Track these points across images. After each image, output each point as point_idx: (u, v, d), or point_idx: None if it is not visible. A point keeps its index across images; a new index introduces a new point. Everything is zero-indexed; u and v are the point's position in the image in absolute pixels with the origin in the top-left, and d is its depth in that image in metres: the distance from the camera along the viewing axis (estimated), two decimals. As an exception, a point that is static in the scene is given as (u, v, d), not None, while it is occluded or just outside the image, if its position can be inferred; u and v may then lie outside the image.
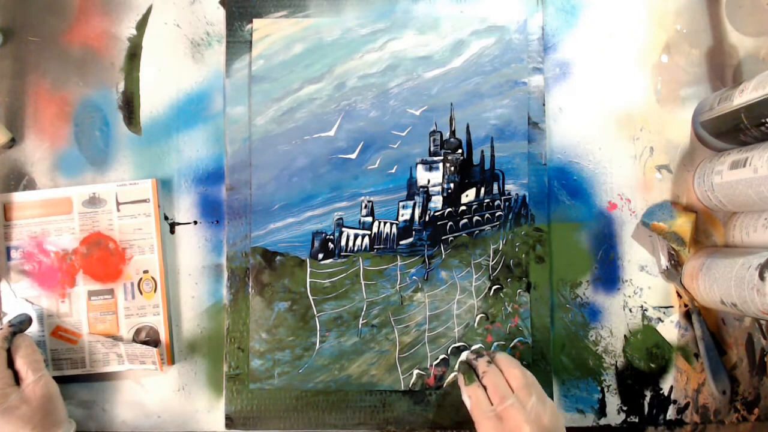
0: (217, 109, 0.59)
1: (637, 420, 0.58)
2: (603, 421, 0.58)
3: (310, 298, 0.58)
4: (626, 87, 0.60)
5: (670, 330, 0.58)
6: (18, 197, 0.58)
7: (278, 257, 0.58)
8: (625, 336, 0.58)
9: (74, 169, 0.59)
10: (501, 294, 0.58)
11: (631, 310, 0.59)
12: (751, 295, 0.47)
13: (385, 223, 0.58)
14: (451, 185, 0.59)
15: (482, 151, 0.59)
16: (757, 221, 0.53)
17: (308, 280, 0.58)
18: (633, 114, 0.60)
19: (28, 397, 0.48)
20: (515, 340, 0.57)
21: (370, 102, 0.59)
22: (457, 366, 0.56)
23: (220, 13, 0.60)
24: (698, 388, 0.58)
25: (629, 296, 0.59)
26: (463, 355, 0.54)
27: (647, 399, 0.58)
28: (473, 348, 0.57)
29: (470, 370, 0.52)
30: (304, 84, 0.59)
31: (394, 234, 0.58)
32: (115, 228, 0.57)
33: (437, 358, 0.58)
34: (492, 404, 0.48)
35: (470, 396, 0.50)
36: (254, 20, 0.59)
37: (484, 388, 0.50)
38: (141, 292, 0.57)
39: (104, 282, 0.57)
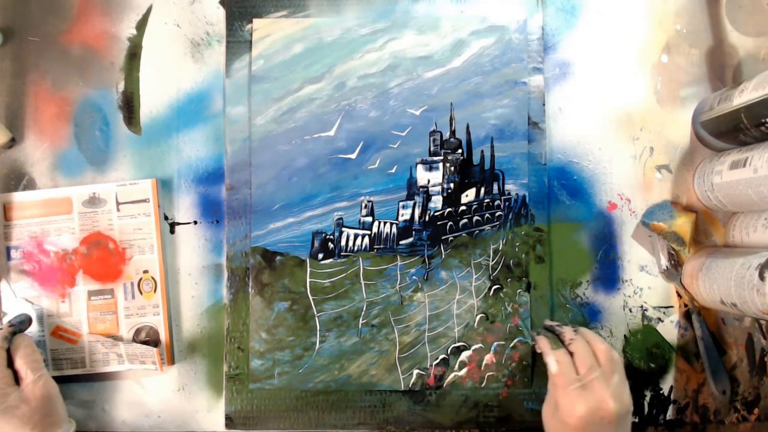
0: (217, 109, 0.59)
1: (637, 420, 0.58)
2: (603, 421, 0.58)
3: (310, 298, 0.58)
4: (626, 87, 0.60)
5: (670, 330, 0.58)
6: (18, 197, 0.58)
7: (278, 257, 0.58)
8: (625, 336, 0.58)
9: (74, 169, 0.59)
10: (501, 294, 0.58)
11: (631, 310, 0.59)
12: (751, 295, 0.47)
13: (385, 223, 0.58)
14: (451, 185, 0.59)
15: (482, 151, 0.59)
16: (757, 221, 0.53)
17: (308, 280, 0.58)
18: (633, 114, 0.60)
19: (27, 397, 0.48)
20: (515, 340, 0.57)
21: (370, 102, 0.59)
22: (535, 332, 0.54)
23: (220, 13, 0.60)
24: (698, 388, 0.58)
25: (629, 296, 0.59)
26: (545, 323, 0.54)
27: (647, 399, 0.58)
28: (546, 323, 0.55)
29: (554, 337, 0.51)
30: (304, 84, 0.59)
31: (394, 234, 0.58)
32: (115, 228, 0.57)
33: (437, 358, 0.58)
34: (578, 373, 0.48)
35: (558, 360, 0.49)
36: (254, 20, 0.59)
37: (570, 355, 0.49)
38: (141, 292, 0.57)
39: (104, 282, 0.57)
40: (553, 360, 0.49)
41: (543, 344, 0.51)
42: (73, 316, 0.57)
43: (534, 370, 0.57)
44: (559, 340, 0.51)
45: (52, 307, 0.57)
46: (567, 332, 0.51)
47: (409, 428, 0.57)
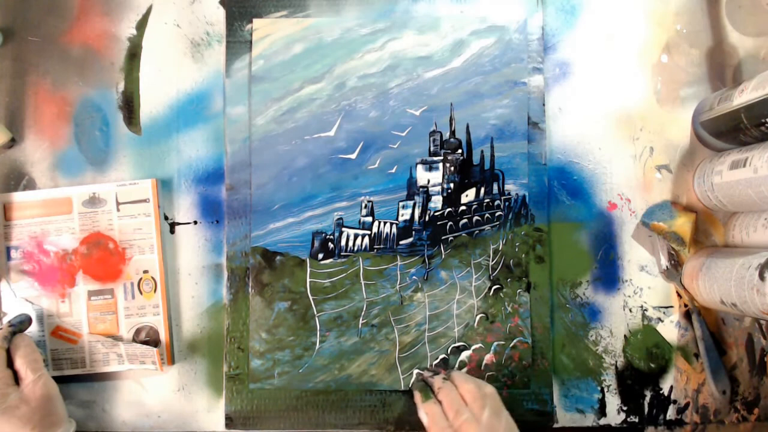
0: (217, 109, 0.59)
1: (637, 420, 0.58)
2: (603, 421, 0.58)
3: (310, 298, 0.58)
4: (626, 87, 0.60)
5: (670, 330, 0.58)
6: (18, 197, 0.58)
7: (278, 257, 0.58)
8: (625, 336, 0.58)
9: (74, 169, 0.59)
10: (501, 294, 0.58)
11: (631, 310, 0.59)
12: (751, 295, 0.47)
13: (385, 223, 0.58)
14: (451, 185, 0.59)
15: (482, 151, 0.59)
16: (757, 221, 0.53)
17: (308, 280, 0.58)
18: (633, 114, 0.60)
19: (27, 397, 0.48)
20: (515, 340, 0.58)
21: (370, 102, 0.59)
22: (411, 384, 0.57)
23: (220, 13, 0.60)
24: (698, 388, 0.58)
25: (629, 296, 0.59)
26: (420, 373, 0.56)
27: (647, 399, 0.58)
28: (424, 373, 0.57)
29: (426, 388, 0.53)
30: (304, 84, 0.59)
31: (394, 234, 0.58)
32: (115, 228, 0.57)
33: (437, 358, 0.58)
34: (448, 420, 0.49)
35: (427, 413, 0.51)
36: (254, 20, 0.59)
37: (440, 404, 0.51)
38: (141, 292, 0.57)
39: (104, 282, 0.57)
40: (423, 413, 0.51)
41: (416, 398, 0.53)
42: (73, 316, 0.57)
43: (533, 370, 0.57)
44: (431, 391, 0.53)
45: (52, 307, 0.57)
46: (436, 381, 0.53)
47: (409, 428, 0.57)
